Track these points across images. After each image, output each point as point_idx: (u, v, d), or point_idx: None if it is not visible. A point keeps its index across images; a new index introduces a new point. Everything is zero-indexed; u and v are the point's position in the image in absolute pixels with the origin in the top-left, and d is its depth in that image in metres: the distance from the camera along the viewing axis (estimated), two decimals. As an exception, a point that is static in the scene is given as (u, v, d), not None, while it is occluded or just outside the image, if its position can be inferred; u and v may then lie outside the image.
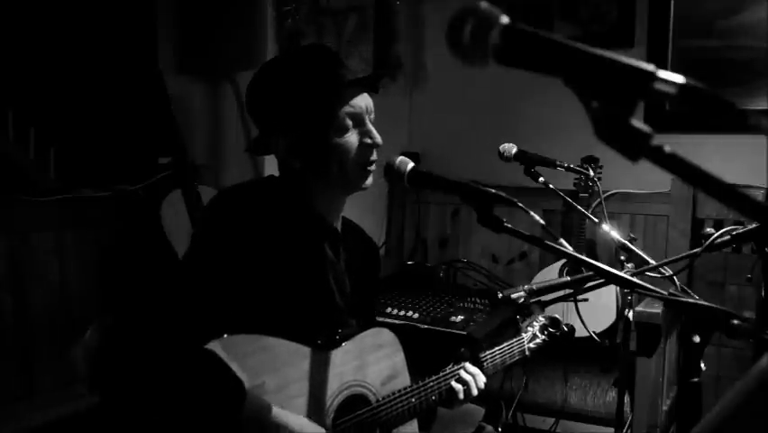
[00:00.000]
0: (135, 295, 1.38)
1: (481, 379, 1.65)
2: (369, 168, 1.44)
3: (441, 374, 1.61)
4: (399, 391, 1.53)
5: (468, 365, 1.65)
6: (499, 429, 2.19)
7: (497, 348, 1.76)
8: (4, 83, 2.37)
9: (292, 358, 1.37)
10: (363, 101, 1.44)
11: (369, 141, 1.43)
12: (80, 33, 2.55)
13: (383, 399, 1.50)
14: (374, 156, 1.45)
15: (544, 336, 1.87)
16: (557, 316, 1.90)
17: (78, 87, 2.55)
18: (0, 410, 2.11)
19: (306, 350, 1.39)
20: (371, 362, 1.53)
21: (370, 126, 1.45)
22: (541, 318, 1.90)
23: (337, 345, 1.46)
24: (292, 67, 1.45)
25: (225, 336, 1.28)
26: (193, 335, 1.26)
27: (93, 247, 2.45)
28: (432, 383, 1.58)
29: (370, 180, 1.47)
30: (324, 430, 1.37)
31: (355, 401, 1.48)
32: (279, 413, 1.29)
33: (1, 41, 2.36)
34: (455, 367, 1.64)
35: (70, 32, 2.53)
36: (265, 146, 1.49)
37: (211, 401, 1.23)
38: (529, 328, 1.86)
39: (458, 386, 1.61)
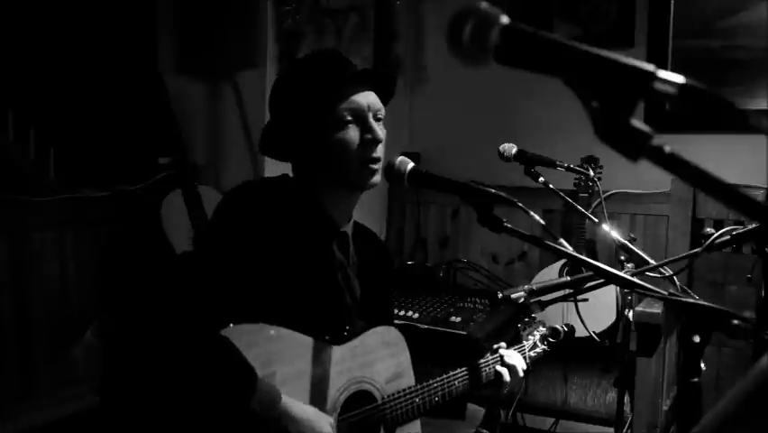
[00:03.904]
0: (135, 294, 1.39)
1: (522, 364, 1.72)
2: (371, 165, 1.42)
3: (450, 374, 1.62)
4: (405, 390, 1.54)
5: (508, 351, 1.72)
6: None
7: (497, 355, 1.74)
8: (4, 83, 2.37)
9: (302, 350, 1.38)
10: (365, 98, 1.42)
11: (369, 136, 1.41)
12: (80, 34, 2.55)
13: (388, 397, 1.51)
14: (377, 153, 1.42)
15: (544, 346, 1.87)
16: (557, 326, 1.89)
17: (79, 87, 2.55)
18: (0, 410, 2.10)
19: (315, 343, 1.40)
20: (378, 359, 1.53)
21: (372, 123, 1.42)
22: (542, 328, 1.90)
23: (346, 340, 1.47)
24: (299, 68, 1.49)
25: (237, 325, 1.30)
26: (204, 322, 1.28)
27: (93, 247, 2.45)
28: (436, 385, 1.58)
29: (377, 178, 1.43)
30: (330, 420, 1.38)
31: (361, 397, 1.48)
32: (288, 401, 1.30)
33: (1, 41, 2.36)
34: (489, 358, 1.69)
35: (71, 32, 2.53)
36: (275, 146, 1.50)
37: (223, 386, 1.25)
38: (530, 337, 1.86)
39: (503, 369, 1.68)
